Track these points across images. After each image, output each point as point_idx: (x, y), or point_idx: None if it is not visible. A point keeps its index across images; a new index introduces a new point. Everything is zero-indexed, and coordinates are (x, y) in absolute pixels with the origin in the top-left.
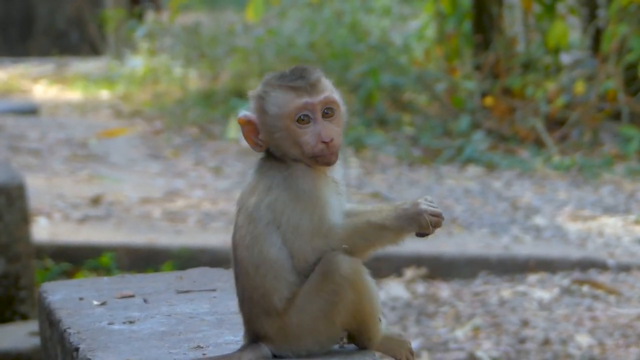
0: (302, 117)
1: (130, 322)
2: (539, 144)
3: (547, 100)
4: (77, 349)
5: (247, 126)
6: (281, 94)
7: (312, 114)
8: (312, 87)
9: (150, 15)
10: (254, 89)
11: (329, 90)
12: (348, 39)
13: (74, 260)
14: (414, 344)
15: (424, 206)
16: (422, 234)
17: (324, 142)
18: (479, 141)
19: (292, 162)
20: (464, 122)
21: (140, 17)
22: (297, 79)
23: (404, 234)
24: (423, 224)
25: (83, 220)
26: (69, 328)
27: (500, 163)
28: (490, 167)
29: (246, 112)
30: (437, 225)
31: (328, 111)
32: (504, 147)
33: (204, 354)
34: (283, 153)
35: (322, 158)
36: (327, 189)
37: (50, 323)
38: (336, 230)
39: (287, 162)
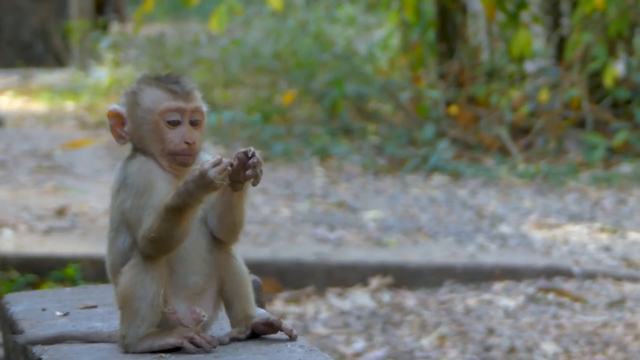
0: (173, 119)
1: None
2: (503, 152)
3: (511, 109)
4: None
5: (115, 119)
6: (158, 92)
7: (182, 118)
8: (187, 95)
9: (114, 27)
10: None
11: (200, 101)
12: (313, 48)
13: (39, 271)
14: (380, 353)
15: (205, 167)
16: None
17: (187, 143)
18: (444, 150)
19: (142, 157)
20: (428, 131)
21: (104, 28)
22: (174, 84)
23: (197, 196)
24: (210, 181)
25: (48, 231)
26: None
27: (465, 171)
28: (456, 175)
29: (116, 105)
30: (224, 175)
31: (195, 120)
32: (469, 155)
33: None
34: (143, 146)
35: (181, 158)
36: (163, 184)
37: (13, 334)
38: (146, 219)
39: (138, 157)
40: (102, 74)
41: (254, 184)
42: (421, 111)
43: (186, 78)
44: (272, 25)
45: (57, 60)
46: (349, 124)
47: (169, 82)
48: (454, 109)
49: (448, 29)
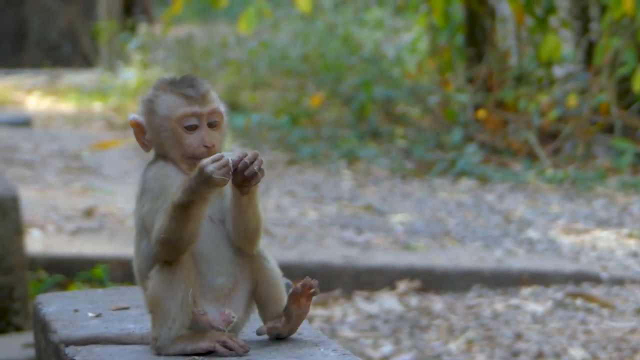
0: (190, 124)
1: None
2: (531, 157)
3: (540, 113)
4: None
5: (136, 128)
6: (173, 98)
7: (199, 122)
8: (202, 98)
9: (142, 28)
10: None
11: (217, 102)
12: (341, 51)
13: (67, 272)
14: (407, 357)
15: (204, 162)
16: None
17: (205, 147)
18: (472, 154)
19: (162, 162)
20: (456, 135)
21: (132, 29)
22: (189, 88)
23: (200, 193)
24: (208, 176)
25: (76, 232)
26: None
27: (493, 176)
28: (483, 180)
29: (135, 115)
30: (224, 171)
31: (213, 121)
32: (496, 160)
33: None
34: (164, 152)
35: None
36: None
37: (45, 335)
38: (158, 221)
39: (158, 162)
40: (130, 75)
41: (251, 183)
42: (449, 115)
43: (201, 80)
44: (300, 28)
45: (85, 61)
46: (376, 127)
47: (183, 86)
48: (482, 113)
49: (476, 33)
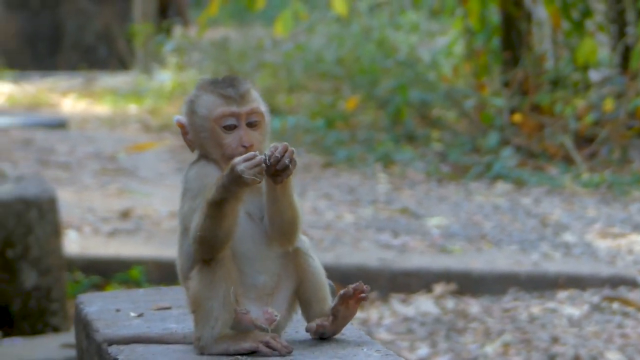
0: (228, 124)
1: None
2: (568, 161)
3: (576, 117)
4: None
5: (181, 128)
6: (212, 98)
7: (238, 122)
8: (241, 98)
9: (178, 30)
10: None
11: (256, 101)
12: (376, 54)
13: (104, 273)
14: None
15: (235, 160)
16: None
17: (244, 147)
18: (508, 158)
19: (203, 161)
20: (492, 139)
21: (168, 31)
22: (228, 87)
23: (232, 191)
24: (238, 175)
25: (113, 233)
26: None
27: (529, 180)
28: (519, 183)
29: (179, 116)
30: (256, 170)
31: (253, 121)
32: (533, 163)
33: None
34: (205, 152)
35: None
36: None
37: (87, 334)
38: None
39: (200, 162)
40: (165, 77)
41: (282, 176)
42: (485, 119)
43: (242, 80)
44: (336, 31)
45: (121, 64)
46: (412, 130)
47: (222, 86)
48: (518, 117)
49: (513, 36)
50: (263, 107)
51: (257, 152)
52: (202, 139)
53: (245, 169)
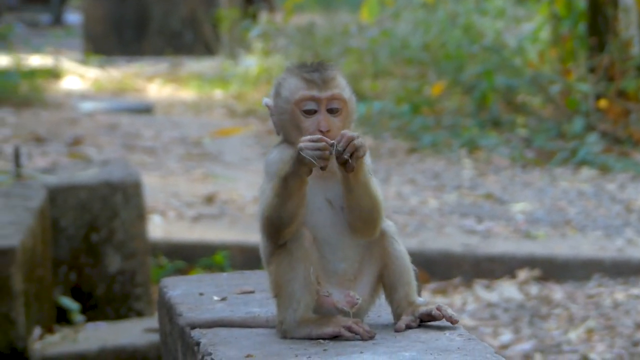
0: (308, 108)
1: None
2: None
3: None
4: (198, 344)
5: (268, 110)
6: (295, 81)
7: (318, 106)
8: (324, 83)
9: (264, 16)
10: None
11: (339, 88)
12: (462, 40)
13: (188, 258)
14: (527, 346)
15: (301, 144)
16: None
17: (321, 132)
18: (593, 143)
19: (284, 145)
20: (578, 125)
21: (254, 17)
22: (313, 72)
23: (296, 170)
24: (303, 159)
25: (197, 218)
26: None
27: (614, 166)
28: (604, 169)
29: (267, 99)
30: (317, 154)
31: (334, 107)
32: (618, 149)
33: (324, 349)
34: (286, 135)
35: None
36: None
37: (170, 318)
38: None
39: (280, 145)
40: (251, 62)
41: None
42: (570, 104)
43: (329, 65)
44: (421, 17)
45: (207, 49)
46: (497, 116)
47: (308, 70)
48: (603, 103)
49: (599, 22)
50: (347, 94)
51: (323, 137)
52: (283, 121)
53: (305, 148)
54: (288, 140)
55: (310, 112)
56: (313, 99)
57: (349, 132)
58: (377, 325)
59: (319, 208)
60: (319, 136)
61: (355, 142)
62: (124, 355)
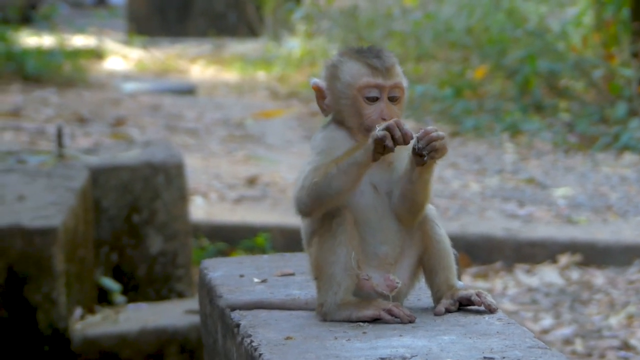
0: (371, 96)
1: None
2: None
3: None
4: (238, 325)
5: (317, 92)
6: (358, 66)
7: (381, 94)
8: (387, 71)
9: None
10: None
11: (400, 76)
12: (505, 24)
13: (229, 240)
14: (567, 331)
15: (379, 133)
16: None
17: (383, 120)
18: (636, 128)
19: (334, 125)
20: (621, 110)
21: None
22: (375, 58)
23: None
24: (378, 142)
25: (239, 200)
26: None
27: None
28: None
29: (317, 79)
30: (399, 137)
31: (394, 96)
32: None
33: (364, 332)
34: (342, 119)
35: None
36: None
37: (210, 300)
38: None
39: (330, 125)
40: (294, 44)
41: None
42: (613, 89)
43: (388, 52)
44: (465, 0)
45: (250, 30)
46: (540, 100)
47: (370, 56)
48: None
49: None
50: (405, 83)
51: (393, 126)
52: (341, 105)
53: (385, 137)
54: (343, 123)
55: (372, 99)
56: (377, 86)
57: (433, 131)
58: (416, 309)
59: (362, 191)
60: (392, 124)
61: (437, 143)
62: (164, 336)
